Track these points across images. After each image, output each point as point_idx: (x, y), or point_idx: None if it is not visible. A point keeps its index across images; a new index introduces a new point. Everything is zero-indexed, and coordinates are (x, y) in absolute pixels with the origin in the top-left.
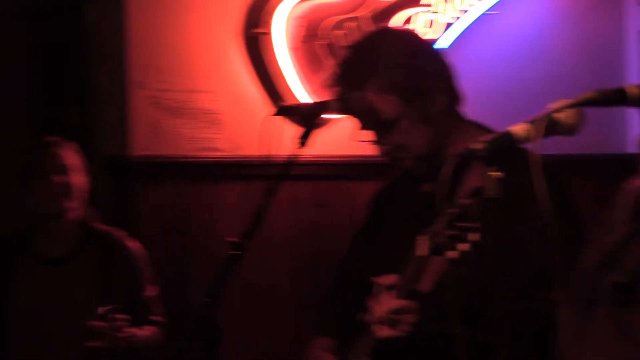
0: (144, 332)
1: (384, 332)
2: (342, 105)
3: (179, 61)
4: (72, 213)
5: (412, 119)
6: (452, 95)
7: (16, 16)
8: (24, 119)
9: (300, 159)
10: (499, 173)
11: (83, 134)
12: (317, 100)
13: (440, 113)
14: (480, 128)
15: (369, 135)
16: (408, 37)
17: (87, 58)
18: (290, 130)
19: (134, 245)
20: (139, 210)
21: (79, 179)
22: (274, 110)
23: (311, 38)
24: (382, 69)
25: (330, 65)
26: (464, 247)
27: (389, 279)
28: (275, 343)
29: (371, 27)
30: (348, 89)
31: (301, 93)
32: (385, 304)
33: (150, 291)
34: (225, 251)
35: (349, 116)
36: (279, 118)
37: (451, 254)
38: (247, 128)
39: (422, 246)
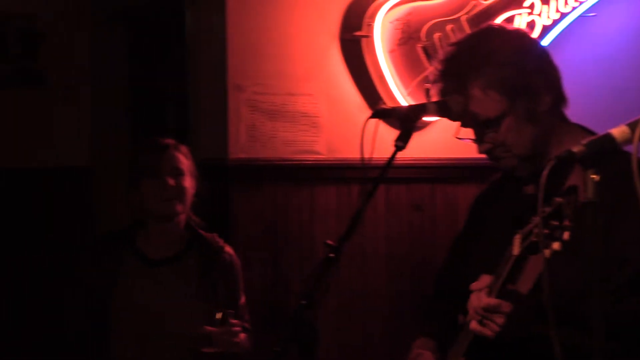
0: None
1: (474, 326)
2: (441, 108)
3: (278, 64)
4: (180, 216)
5: (517, 118)
6: (558, 96)
7: (118, 19)
8: (126, 120)
9: (398, 161)
10: (597, 175)
11: (182, 135)
12: (415, 102)
13: (545, 113)
14: (585, 131)
15: (470, 133)
16: (517, 35)
17: (187, 61)
18: (388, 133)
19: (231, 252)
20: (237, 213)
21: (190, 183)
22: (371, 113)
23: (408, 41)
24: (490, 65)
25: (428, 68)
26: (556, 246)
27: (483, 280)
28: (372, 345)
29: (471, 30)
30: (453, 85)
31: (399, 96)
32: (479, 301)
33: (242, 299)
34: (322, 254)
35: (447, 119)
36: (377, 121)
37: (545, 252)
38: (345, 131)
39: (516, 245)
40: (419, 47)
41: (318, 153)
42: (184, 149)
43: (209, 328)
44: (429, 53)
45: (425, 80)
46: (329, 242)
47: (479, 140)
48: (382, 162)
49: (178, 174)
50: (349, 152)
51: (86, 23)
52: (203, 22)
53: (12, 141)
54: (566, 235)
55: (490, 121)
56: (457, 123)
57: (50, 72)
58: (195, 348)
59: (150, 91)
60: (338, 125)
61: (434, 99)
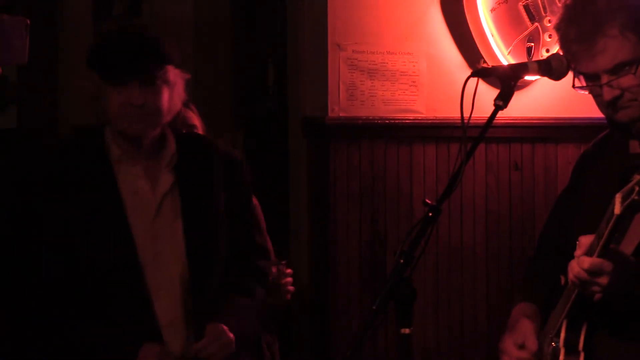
0: None
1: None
2: (542, 67)
3: (378, 23)
4: None
5: None
6: None
7: None
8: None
9: (498, 121)
10: None
11: (282, 94)
12: (516, 61)
13: None
14: None
15: (589, 81)
16: None
17: (288, 21)
18: (488, 93)
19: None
20: (335, 171)
21: None
22: (472, 72)
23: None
24: (627, 6)
25: (529, 27)
26: None
27: (586, 239)
28: (469, 305)
29: None
30: (588, 27)
31: (499, 55)
32: (581, 263)
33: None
34: (420, 212)
35: (549, 78)
36: (477, 80)
37: None
38: (445, 90)
39: (617, 204)
40: (520, 5)
41: (417, 112)
42: (193, 107)
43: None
44: (530, 11)
45: (527, 38)
46: (428, 201)
47: (607, 85)
48: (481, 121)
49: (192, 129)
50: (448, 111)
51: None
52: None
53: None
54: None
55: (625, 64)
56: (570, 75)
57: (152, 31)
58: None
59: (251, 50)
60: (437, 84)
61: (558, 49)
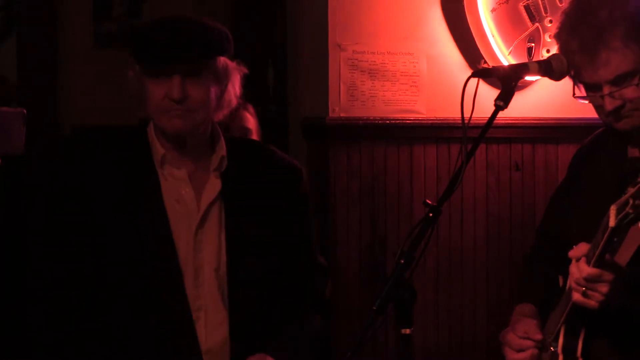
0: None
1: (577, 297)
2: (543, 67)
3: (378, 23)
4: None
5: None
6: None
7: None
8: None
9: (498, 121)
10: None
11: (281, 95)
12: (517, 62)
13: None
14: None
15: (590, 90)
16: None
17: (287, 20)
18: (488, 93)
19: None
20: (336, 171)
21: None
22: (472, 72)
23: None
24: (628, 17)
25: (529, 27)
26: None
27: (581, 248)
28: (469, 306)
29: None
30: (590, 36)
31: (500, 55)
32: (580, 271)
33: None
34: (421, 213)
35: (549, 78)
36: (478, 80)
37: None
38: (445, 90)
39: (612, 216)
40: (520, 6)
41: (418, 112)
42: (250, 108)
43: None
44: (531, 11)
45: (527, 39)
46: (428, 201)
47: (609, 96)
48: (482, 121)
49: (246, 133)
50: (449, 111)
51: None
52: None
53: (117, 99)
54: None
55: (627, 75)
56: (570, 82)
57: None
58: None
59: (251, 51)
60: (438, 84)
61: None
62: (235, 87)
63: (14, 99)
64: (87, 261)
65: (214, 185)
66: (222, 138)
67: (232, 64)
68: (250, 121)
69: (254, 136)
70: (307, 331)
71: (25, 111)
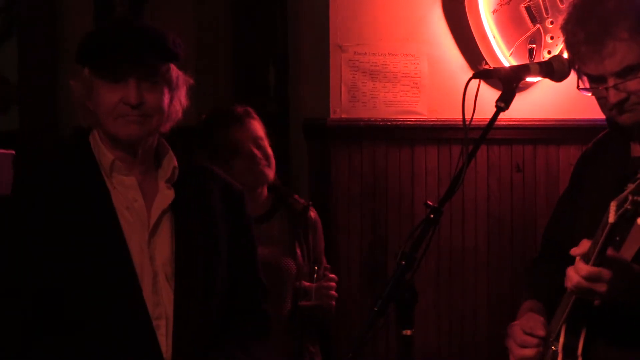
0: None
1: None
2: (544, 68)
3: (380, 24)
4: (269, 180)
5: None
6: None
7: None
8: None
9: (499, 122)
10: None
11: (282, 96)
12: (518, 63)
13: None
14: None
15: (597, 83)
16: None
17: (289, 21)
18: (489, 94)
19: (314, 213)
20: (337, 172)
21: (270, 148)
22: (473, 73)
23: (512, 0)
24: (636, 9)
25: (531, 28)
26: None
27: (583, 246)
28: (470, 307)
29: None
30: (596, 29)
31: (501, 56)
32: (580, 270)
33: (324, 259)
34: (422, 214)
35: (550, 79)
36: (479, 81)
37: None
38: (446, 91)
39: (612, 212)
40: (522, 7)
41: (419, 113)
42: (254, 113)
43: (306, 283)
44: (532, 12)
45: (528, 40)
46: (430, 202)
47: (613, 88)
48: (483, 123)
49: (261, 142)
50: (450, 112)
51: None
52: None
53: None
54: None
55: (632, 68)
56: (571, 83)
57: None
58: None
59: (252, 52)
60: (439, 85)
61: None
62: (182, 99)
63: (14, 99)
64: (41, 273)
65: (165, 195)
66: (171, 150)
67: (182, 74)
68: (260, 129)
69: (265, 142)
70: (253, 356)
71: (14, 152)
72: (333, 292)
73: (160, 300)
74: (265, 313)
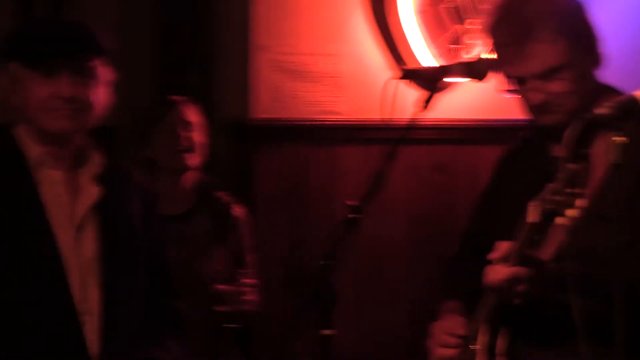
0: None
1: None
2: (466, 69)
3: (301, 25)
4: (192, 171)
5: (576, 70)
6: (601, 55)
7: None
8: (148, 79)
9: (421, 122)
10: (623, 138)
11: (204, 96)
12: (440, 64)
13: (593, 70)
14: (617, 93)
15: (517, 85)
16: None
17: (211, 21)
18: (411, 94)
19: (240, 211)
20: (258, 173)
21: (201, 138)
22: (396, 73)
23: (438, 1)
24: (557, 12)
25: (452, 29)
26: (572, 213)
27: (502, 247)
28: (391, 306)
29: None
30: (519, 31)
31: (422, 57)
32: (499, 270)
33: (250, 257)
34: (343, 214)
35: (473, 80)
36: (402, 81)
37: (560, 220)
38: (367, 92)
39: (533, 212)
40: (443, 8)
41: (340, 114)
42: (195, 105)
43: (220, 287)
44: (454, 14)
45: (451, 41)
46: (350, 202)
47: (534, 90)
48: (404, 123)
49: (188, 127)
50: (371, 113)
51: None
52: None
53: None
54: (580, 203)
55: (553, 69)
56: (492, 84)
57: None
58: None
59: (174, 51)
60: (361, 85)
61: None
62: (108, 95)
63: None
64: None
65: (92, 192)
66: (96, 147)
67: (109, 70)
68: (193, 116)
69: (197, 132)
70: (167, 356)
71: None
72: (249, 297)
73: (87, 297)
74: (178, 311)
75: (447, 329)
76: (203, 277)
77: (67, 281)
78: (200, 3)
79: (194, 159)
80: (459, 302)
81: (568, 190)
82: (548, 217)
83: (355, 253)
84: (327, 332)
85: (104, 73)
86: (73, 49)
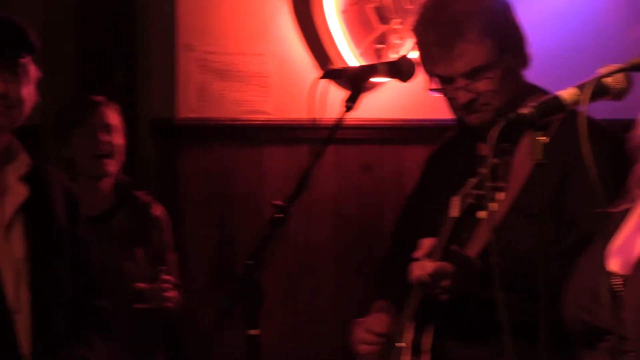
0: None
1: (422, 293)
2: (391, 69)
3: (228, 24)
4: (110, 174)
5: (503, 70)
6: (528, 55)
7: None
8: (72, 78)
9: (347, 122)
10: (545, 137)
11: (130, 95)
12: (365, 63)
13: (520, 70)
14: (544, 92)
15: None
16: None
17: (136, 19)
18: (337, 94)
19: (159, 210)
20: (185, 173)
21: (120, 140)
22: (321, 73)
23: (359, 1)
24: (484, 12)
25: (378, 29)
26: (493, 207)
27: (426, 244)
28: (317, 305)
29: None
30: (446, 31)
31: (349, 56)
32: (423, 265)
33: (171, 256)
34: (269, 214)
35: (398, 79)
36: (327, 81)
37: (481, 214)
38: (295, 91)
39: (454, 207)
40: (370, 8)
41: (267, 113)
42: (114, 106)
43: (140, 285)
44: (380, 13)
45: (377, 41)
46: (276, 202)
47: (462, 89)
48: (331, 122)
49: (109, 130)
50: (299, 112)
51: None
52: None
53: None
54: (500, 196)
55: (480, 68)
56: (418, 84)
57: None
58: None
59: (99, 49)
60: (287, 85)
61: (407, 51)
62: (33, 93)
63: None
64: None
65: (18, 191)
66: (22, 146)
67: (36, 69)
68: (114, 118)
69: (117, 135)
70: (92, 355)
71: None
72: (169, 294)
73: (21, 295)
74: (102, 310)
75: (367, 326)
76: (124, 276)
77: (1, 281)
78: (125, 1)
79: (113, 166)
80: (387, 302)
81: (489, 184)
82: (470, 211)
83: (282, 252)
84: (253, 331)
85: (32, 70)
86: (4, 45)
